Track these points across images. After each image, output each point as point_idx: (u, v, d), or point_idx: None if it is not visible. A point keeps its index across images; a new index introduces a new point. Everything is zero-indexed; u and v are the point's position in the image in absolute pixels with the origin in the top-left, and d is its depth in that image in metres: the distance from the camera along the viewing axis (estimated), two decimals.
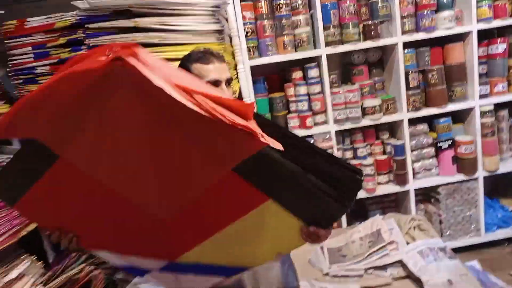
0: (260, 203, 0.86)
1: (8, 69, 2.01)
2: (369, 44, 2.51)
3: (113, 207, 0.90)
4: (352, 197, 0.85)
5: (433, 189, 2.76)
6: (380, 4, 2.48)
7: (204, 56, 1.25)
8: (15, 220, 1.85)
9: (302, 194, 0.83)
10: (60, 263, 2.01)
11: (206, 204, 0.88)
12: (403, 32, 2.50)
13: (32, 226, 2.03)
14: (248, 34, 2.39)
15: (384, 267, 2.25)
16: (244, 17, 2.35)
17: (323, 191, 0.82)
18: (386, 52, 2.67)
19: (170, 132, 0.74)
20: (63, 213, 0.93)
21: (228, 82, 1.28)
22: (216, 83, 1.26)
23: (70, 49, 1.93)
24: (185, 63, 1.29)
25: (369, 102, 2.56)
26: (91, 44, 1.88)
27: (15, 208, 0.94)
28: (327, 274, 2.29)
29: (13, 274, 1.44)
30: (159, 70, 0.61)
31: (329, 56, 2.47)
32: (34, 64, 1.95)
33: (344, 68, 2.76)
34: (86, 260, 2.12)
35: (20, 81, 1.98)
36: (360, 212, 2.96)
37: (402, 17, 2.47)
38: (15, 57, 1.98)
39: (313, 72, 2.49)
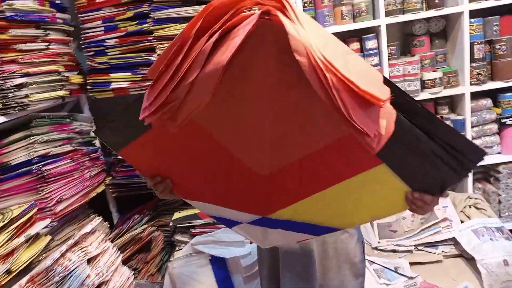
0: (371, 167, 0.82)
1: (80, 42, 2.14)
2: (432, 13, 2.38)
3: (216, 160, 0.91)
4: (471, 168, 0.79)
5: (494, 167, 2.63)
6: None
7: None
8: (87, 182, 2.03)
9: (419, 161, 0.79)
10: (125, 224, 2.19)
11: (316, 162, 0.85)
12: (470, 0, 2.33)
13: (101, 188, 2.22)
14: (306, 4, 2.35)
15: (435, 244, 2.22)
16: None
17: (442, 160, 0.77)
18: (450, 21, 2.52)
19: (299, 90, 0.72)
20: (164, 161, 0.94)
21: None
22: None
23: (136, 22, 2.01)
24: None
25: (429, 75, 2.45)
26: (155, 18, 1.95)
27: (120, 154, 0.97)
28: (375, 248, 2.31)
29: (88, 228, 1.60)
30: (309, 31, 0.59)
31: (388, 27, 2.37)
32: (104, 37, 2.06)
33: (404, 39, 2.64)
34: (148, 222, 2.29)
35: (91, 53, 2.11)
36: None
37: None
38: (87, 31, 2.10)
39: (371, 43, 2.41)
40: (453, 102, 2.64)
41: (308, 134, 0.81)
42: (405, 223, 2.39)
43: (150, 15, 2.00)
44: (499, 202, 2.63)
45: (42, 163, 1.74)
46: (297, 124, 0.79)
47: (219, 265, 1.90)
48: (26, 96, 1.68)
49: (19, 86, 1.65)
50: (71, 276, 1.39)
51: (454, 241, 2.19)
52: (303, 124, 0.79)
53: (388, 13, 2.35)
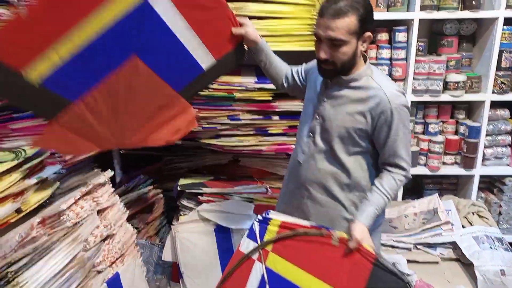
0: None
1: None
2: (467, 14, 2.33)
3: None
4: None
5: (500, 179, 2.64)
6: None
7: (324, 7, 1.24)
8: None
9: None
10: (130, 182, 2.15)
11: None
12: (507, 6, 2.29)
13: None
14: None
15: (434, 246, 2.23)
16: None
17: None
18: (482, 26, 2.48)
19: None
20: None
21: (333, 43, 1.24)
22: (319, 40, 1.28)
23: None
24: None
25: (453, 77, 2.42)
26: None
27: None
28: None
29: (101, 179, 1.56)
30: None
31: (419, 22, 2.33)
32: None
33: (432, 37, 2.60)
34: (152, 183, 2.26)
35: None
36: (415, 189, 2.91)
37: None
38: None
39: (400, 36, 2.36)
40: (471, 108, 2.62)
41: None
42: (407, 220, 2.39)
43: None
44: (500, 213, 2.65)
45: None
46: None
47: (223, 234, 1.88)
48: None
49: None
50: (82, 224, 1.36)
51: (452, 245, 2.20)
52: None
53: (423, 8, 2.30)
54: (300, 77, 1.61)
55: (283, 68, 1.63)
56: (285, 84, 1.65)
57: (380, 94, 1.30)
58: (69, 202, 1.32)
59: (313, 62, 1.58)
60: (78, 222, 1.35)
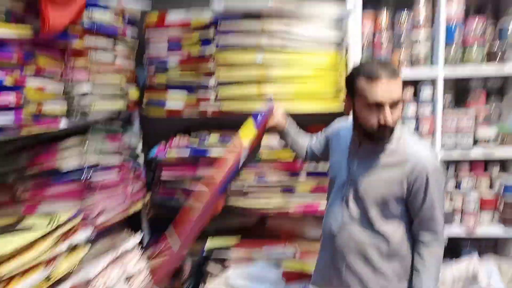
0: None
1: (147, 57, 2.18)
2: (492, 69, 2.32)
3: None
4: None
5: None
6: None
7: (373, 70, 1.19)
8: (128, 197, 2.02)
9: None
10: (158, 244, 2.14)
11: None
12: None
13: (139, 206, 2.20)
14: (365, 46, 2.35)
15: None
16: (363, 30, 2.31)
17: None
18: (509, 78, 2.45)
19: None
20: None
21: (395, 103, 1.23)
22: (377, 105, 1.22)
23: (200, 45, 2.05)
24: (353, 73, 1.26)
25: (484, 131, 2.37)
26: (219, 43, 1.99)
27: None
28: None
29: (130, 245, 1.56)
30: None
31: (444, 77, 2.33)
32: (167, 57, 2.11)
33: (458, 91, 2.58)
34: None
35: (152, 70, 2.15)
36: (452, 248, 2.74)
37: None
38: (151, 48, 2.15)
39: (426, 91, 2.36)
40: (506, 163, 2.52)
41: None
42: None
43: (214, 39, 2.04)
44: None
45: (92, 172, 1.74)
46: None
47: None
48: (90, 104, 1.71)
49: (85, 94, 1.68)
50: None
51: None
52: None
53: (446, 63, 2.31)
54: (322, 145, 1.63)
55: (305, 142, 1.68)
56: (308, 156, 1.69)
57: (414, 159, 1.28)
58: (97, 270, 1.32)
59: (332, 128, 1.60)
60: None
